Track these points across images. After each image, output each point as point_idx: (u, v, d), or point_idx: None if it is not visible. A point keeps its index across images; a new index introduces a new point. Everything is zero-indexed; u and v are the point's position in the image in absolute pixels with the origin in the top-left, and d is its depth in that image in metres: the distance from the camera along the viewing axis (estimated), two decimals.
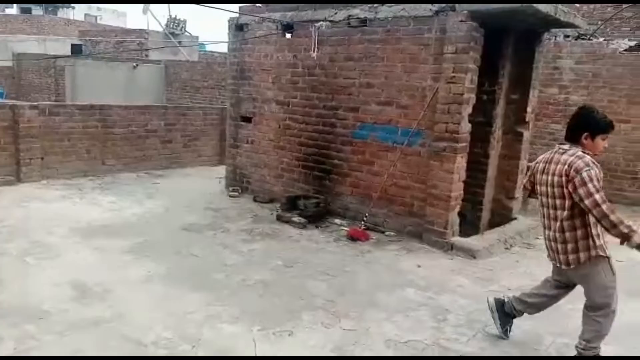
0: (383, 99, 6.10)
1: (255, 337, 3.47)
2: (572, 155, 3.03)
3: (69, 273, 4.30)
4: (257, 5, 7.63)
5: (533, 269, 5.08)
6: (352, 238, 5.67)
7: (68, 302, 3.79)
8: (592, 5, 11.68)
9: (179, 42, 17.27)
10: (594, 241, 3.07)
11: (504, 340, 3.61)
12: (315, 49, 6.66)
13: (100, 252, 4.86)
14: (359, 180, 6.36)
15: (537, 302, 3.52)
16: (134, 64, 15.26)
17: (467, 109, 5.51)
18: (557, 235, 3.12)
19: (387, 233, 5.90)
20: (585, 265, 3.10)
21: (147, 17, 21.64)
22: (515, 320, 3.68)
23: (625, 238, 2.90)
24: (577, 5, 10.15)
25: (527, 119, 6.47)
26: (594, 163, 2.98)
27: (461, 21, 5.39)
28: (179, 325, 3.57)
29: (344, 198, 6.51)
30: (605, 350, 3.31)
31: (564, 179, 3.01)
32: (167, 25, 19.91)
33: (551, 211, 3.16)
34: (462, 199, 5.98)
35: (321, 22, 6.46)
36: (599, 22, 10.86)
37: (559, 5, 5.58)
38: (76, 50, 20.57)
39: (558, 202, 3.09)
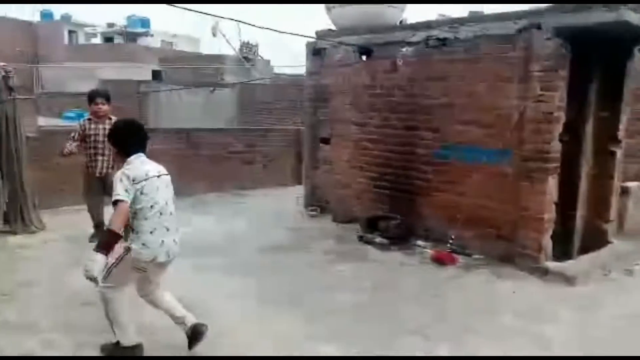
0: (466, 119, 6.05)
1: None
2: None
3: (175, 290, 4.54)
4: (332, 29, 7.83)
5: (637, 295, 4.82)
6: (438, 261, 5.62)
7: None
8: None
9: (252, 66, 18.00)
10: None
11: None
12: (395, 70, 6.74)
13: (197, 271, 5.10)
14: (442, 202, 6.30)
15: None
16: (211, 89, 16.00)
17: (558, 128, 5.36)
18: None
19: (474, 256, 5.78)
20: None
21: (219, 42, 22.61)
22: None
23: None
24: None
25: (619, 137, 6.18)
26: None
27: (547, 38, 5.29)
28: (278, 344, 3.69)
29: (426, 219, 6.46)
30: None
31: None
32: (240, 49, 20.79)
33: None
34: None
35: (406, 48, 6.49)
36: None
37: None
38: (157, 76, 21.86)
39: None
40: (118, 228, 3.12)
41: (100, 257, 3.07)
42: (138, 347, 3.40)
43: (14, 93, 6.30)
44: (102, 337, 3.59)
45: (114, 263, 3.29)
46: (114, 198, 3.15)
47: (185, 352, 3.50)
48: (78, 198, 6.30)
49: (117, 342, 3.39)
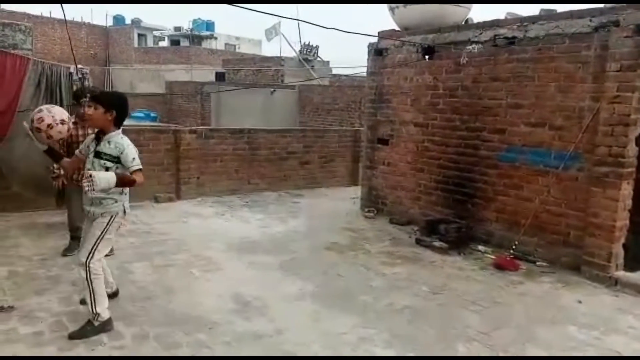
0: (533, 120, 5.79)
1: None
2: None
3: (229, 286, 4.64)
4: (397, 29, 7.72)
5: None
6: (500, 267, 5.40)
7: (232, 314, 4.08)
8: None
9: (312, 67, 18.15)
10: None
11: None
12: (460, 71, 6.55)
13: (254, 268, 5.19)
14: (506, 206, 6.06)
15: None
16: (272, 89, 16.26)
17: (635, 131, 5.03)
18: None
19: (538, 263, 5.52)
20: None
21: (280, 44, 22.97)
22: None
23: None
24: None
25: None
26: None
27: (626, 37, 4.98)
28: (334, 345, 3.67)
29: (488, 224, 6.24)
30: None
31: None
32: (300, 51, 21.02)
33: None
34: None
35: (474, 45, 6.30)
36: None
37: None
38: (220, 77, 22.49)
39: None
40: (138, 183, 3.46)
41: (111, 178, 3.31)
42: (109, 321, 3.65)
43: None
44: (162, 329, 3.71)
45: (100, 237, 3.57)
46: (136, 167, 3.45)
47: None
48: (148, 193, 6.45)
49: (89, 321, 3.60)
